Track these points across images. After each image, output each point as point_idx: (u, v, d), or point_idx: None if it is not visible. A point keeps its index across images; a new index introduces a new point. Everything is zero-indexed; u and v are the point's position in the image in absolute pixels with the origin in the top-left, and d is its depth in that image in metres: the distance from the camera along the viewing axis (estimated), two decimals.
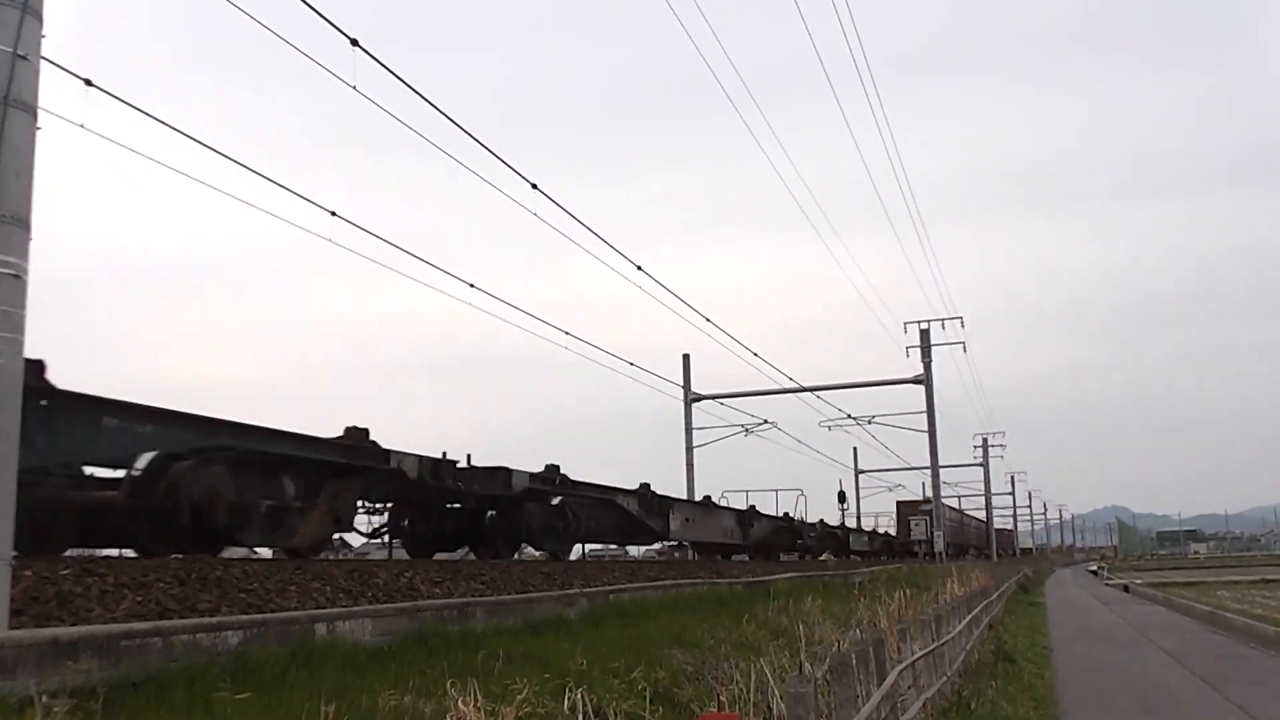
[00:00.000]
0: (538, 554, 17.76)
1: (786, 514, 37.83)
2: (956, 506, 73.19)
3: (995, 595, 20.64)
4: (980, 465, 73.44)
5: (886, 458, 55.62)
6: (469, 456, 14.43)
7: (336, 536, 12.78)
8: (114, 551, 10.17)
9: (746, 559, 30.56)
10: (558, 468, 17.22)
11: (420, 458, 12.92)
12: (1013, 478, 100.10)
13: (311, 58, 10.95)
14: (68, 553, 9.27)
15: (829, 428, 46.05)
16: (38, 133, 5.65)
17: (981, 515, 78.29)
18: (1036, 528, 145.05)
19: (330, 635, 6.96)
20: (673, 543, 27.63)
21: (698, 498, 30.65)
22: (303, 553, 10.95)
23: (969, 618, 12.53)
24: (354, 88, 11.18)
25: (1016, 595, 30.39)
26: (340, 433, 11.82)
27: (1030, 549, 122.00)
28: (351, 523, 12.37)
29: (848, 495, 58.94)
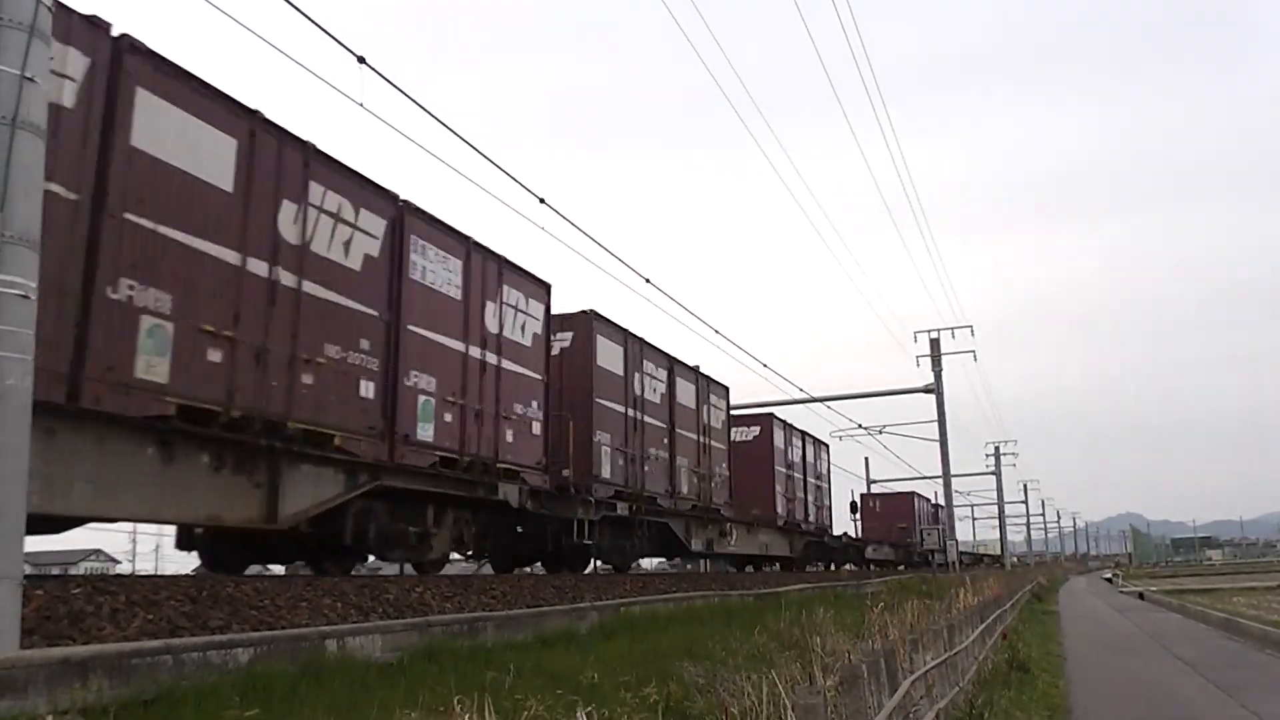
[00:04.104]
0: None
1: None
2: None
3: (1009, 604, 20.53)
4: (993, 474, 73.19)
5: (898, 467, 55.68)
6: None
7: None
8: None
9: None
10: None
11: None
12: (1025, 486, 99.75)
13: (319, 75, 11.01)
14: None
15: (840, 437, 46.16)
16: (45, 153, 5.70)
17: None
18: (1050, 535, 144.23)
19: (341, 651, 6.96)
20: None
21: None
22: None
23: (982, 627, 12.47)
24: (361, 105, 11.24)
25: (1030, 604, 30.21)
26: None
27: (1005, 558, 79.16)
28: None
29: (860, 505, 58.99)
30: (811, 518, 33.75)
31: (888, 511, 52.88)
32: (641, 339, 19.20)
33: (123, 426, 8.22)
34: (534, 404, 14.86)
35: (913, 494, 56.08)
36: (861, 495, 53.88)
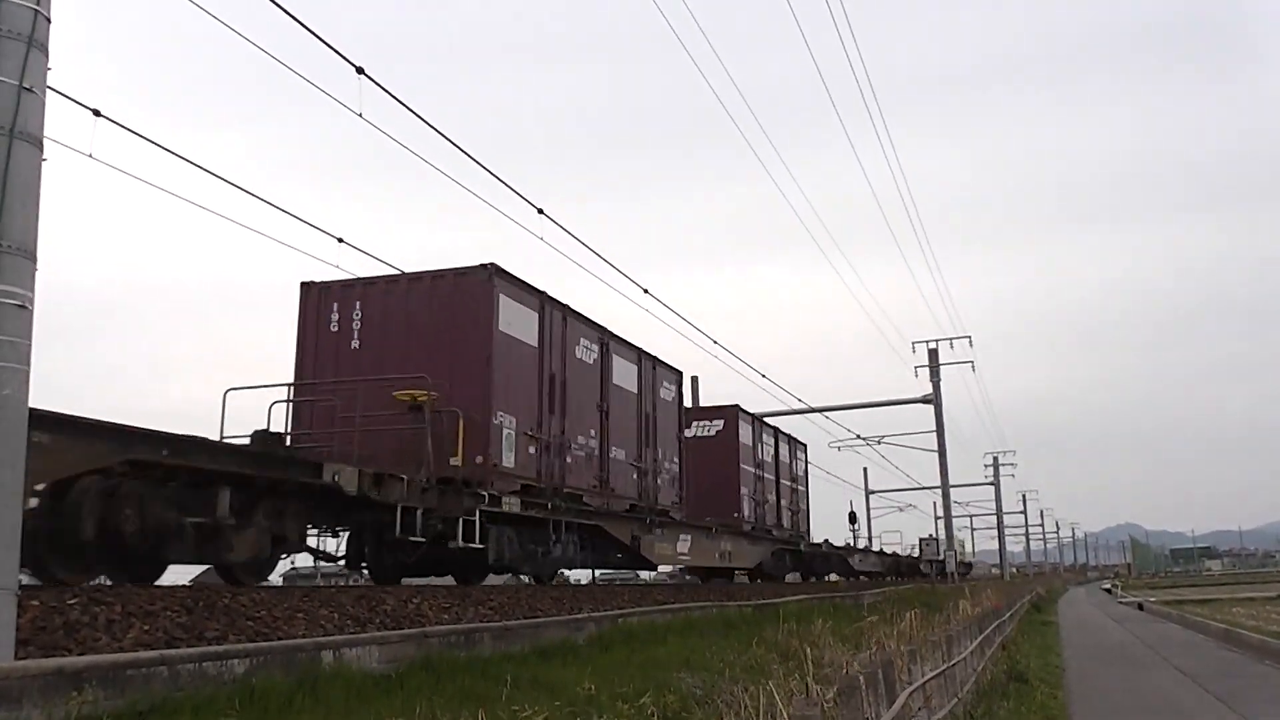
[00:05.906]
0: None
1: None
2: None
3: (1008, 615, 20.50)
4: (991, 484, 73.20)
5: (897, 477, 55.41)
6: None
7: None
8: None
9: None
10: None
11: None
12: (1024, 496, 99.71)
13: (319, 86, 11.05)
14: None
15: (839, 448, 46.00)
16: (43, 164, 5.71)
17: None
18: (1049, 546, 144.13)
19: (337, 662, 6.94)
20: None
21: None
22: None
23: (980, 638, 12.44)
24: (360, 115, 11.27)
25: (1029, 614, 30.18)
26: None
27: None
28: None
29: (858, 516, 58.66)
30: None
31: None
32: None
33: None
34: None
35: (736, 409, 26.87)
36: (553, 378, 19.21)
